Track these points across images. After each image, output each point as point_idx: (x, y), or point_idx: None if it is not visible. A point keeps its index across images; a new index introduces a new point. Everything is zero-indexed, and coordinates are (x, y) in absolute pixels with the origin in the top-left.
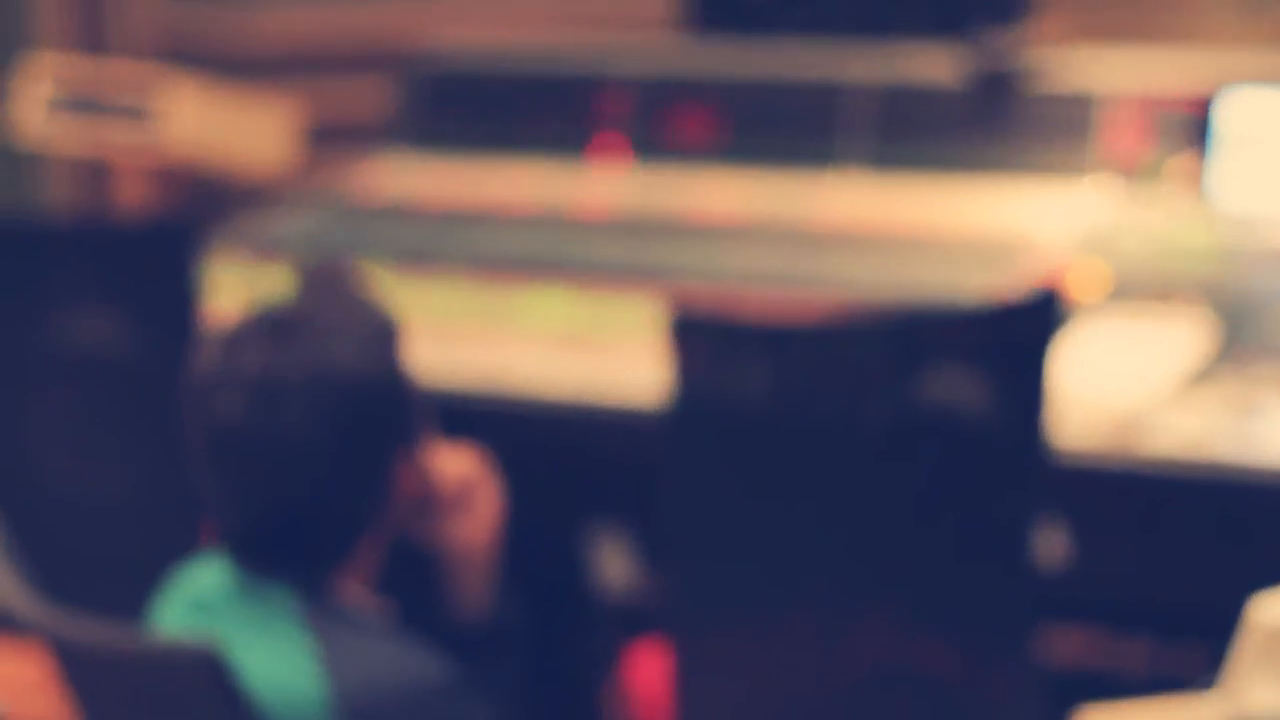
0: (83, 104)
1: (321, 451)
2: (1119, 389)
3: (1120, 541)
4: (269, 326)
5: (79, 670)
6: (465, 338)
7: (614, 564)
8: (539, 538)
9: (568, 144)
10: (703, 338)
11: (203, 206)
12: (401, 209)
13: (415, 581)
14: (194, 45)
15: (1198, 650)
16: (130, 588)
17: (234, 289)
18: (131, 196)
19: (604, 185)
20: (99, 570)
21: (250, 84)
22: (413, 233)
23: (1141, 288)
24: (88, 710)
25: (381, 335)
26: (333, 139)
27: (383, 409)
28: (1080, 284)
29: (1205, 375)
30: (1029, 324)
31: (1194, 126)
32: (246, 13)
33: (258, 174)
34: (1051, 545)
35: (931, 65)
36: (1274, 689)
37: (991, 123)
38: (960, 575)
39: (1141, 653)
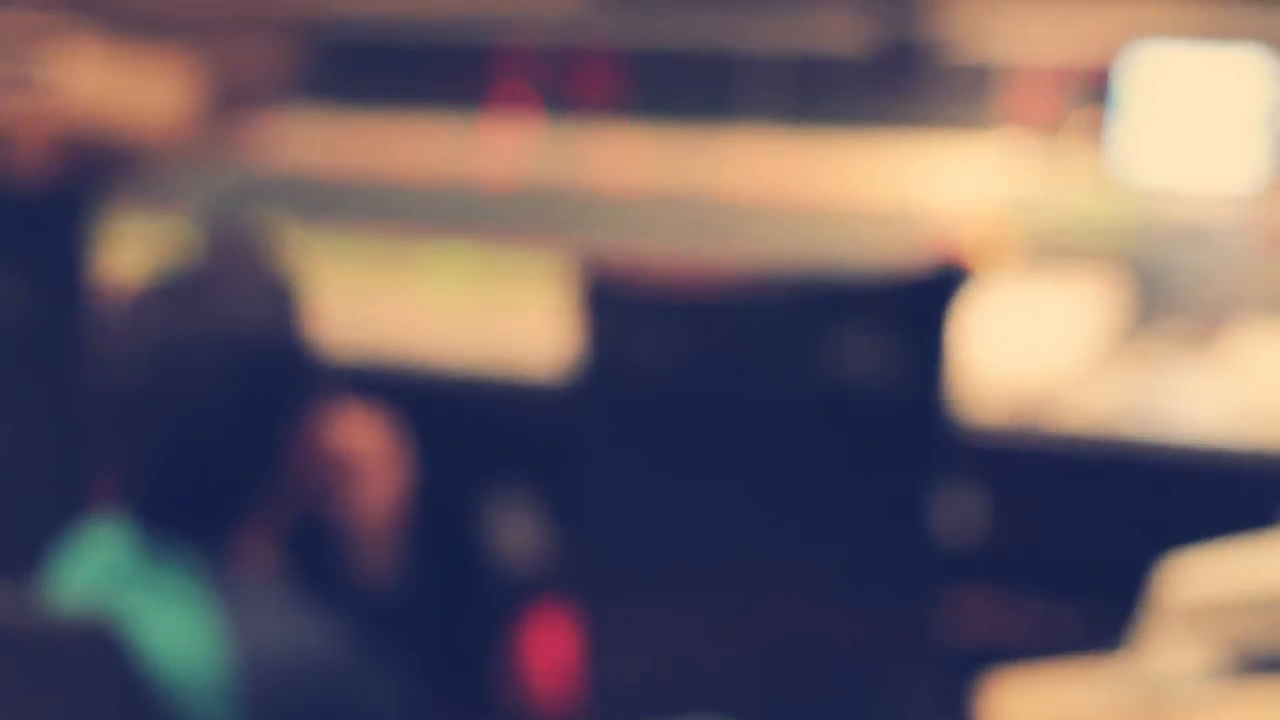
0: None
1: (222, 415)
2: (1028, 359)
3: (1027, 512)
4: (172, 289)
5: None
6: (367, 299)
7: (516, 533)
8: (440, 507)
9: (470, 105)
10: (610, 303)
11: (99, 169)
12: (302, 170)
13: (317, 551)
14: (90, 5)
15: (1105, 615)
16: (23, 549)
17: (133, 252)
18: (26, 160)
19: (506, 146)
20: None
21: (147, 45)
22: (313, 193)
23: (1049, 253)
24: None
25: (284, 298)
26: (231, 100)
27: (284, 372)
28: (986, 250)
29: (1115, 340)
30: (933, 292)
31: (1100, 87)
32: None
33: (154, 135)
34: (967, 515)
35: (837, 30)
36: (1183, 652)
37: (897, 87)
38: (864, 543)
39: (1052, 620)
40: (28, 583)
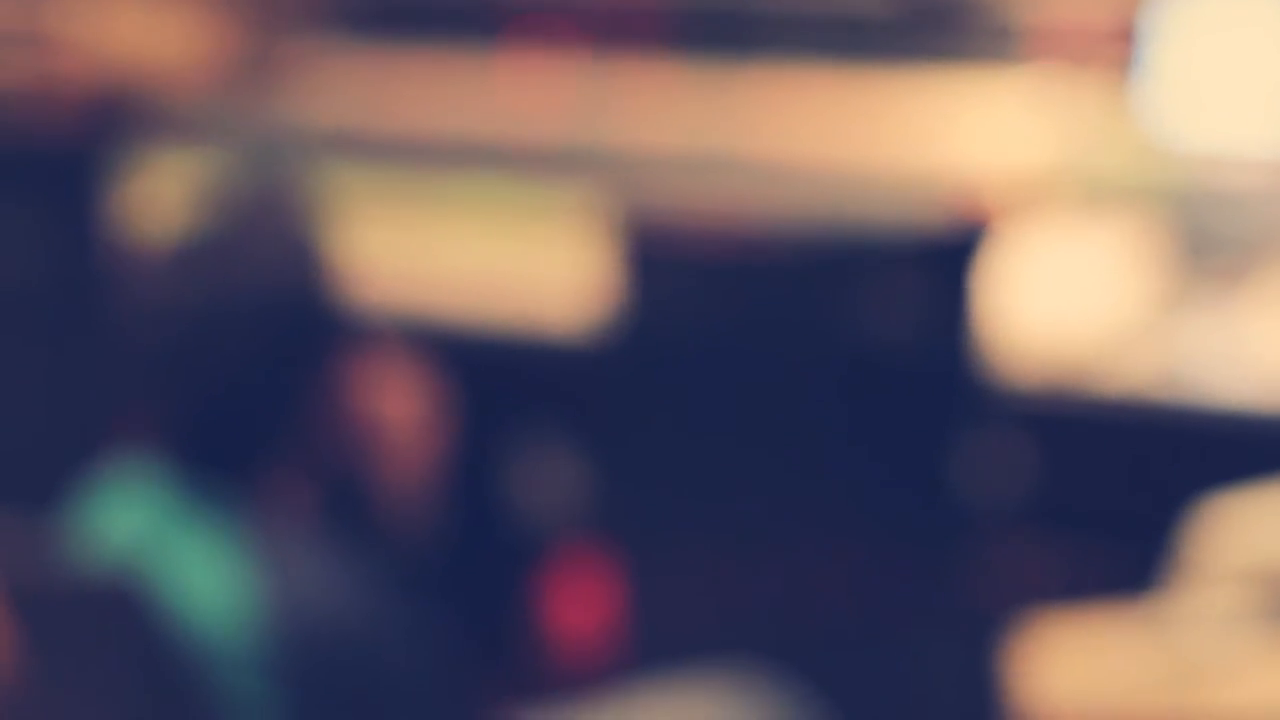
0: None
1: (247, 370)
2: (1070, 316)
3: (1075, 470)
4: (199, 243)
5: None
6: (399, 245)
7: (547, 486)
8: (473, 460)
9: (502, 44)
10: (644, 262)
11: (128, 119)
12: (335, 112)
13: (351, 504)
14: None
15: (1144, 563)
16: (47, 489)
17: (166, 199)
18: (54, 115)
19: (540, 87)
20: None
21: None
22: (347, 137)
23: (1078, 208)
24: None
25: (308, 251)
26: (263, 41)
27: (310, 324)
28: (1018, 208)
29: (1155, 297)
30: (964, 250)
31: (1133, 46)
32: None
33: (183, 81)
34: (1009, 473)
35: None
36: (1218, 600)
37: (926, 48)
38: (893, 497)
39: (1092, 569)
40: (52, 521)
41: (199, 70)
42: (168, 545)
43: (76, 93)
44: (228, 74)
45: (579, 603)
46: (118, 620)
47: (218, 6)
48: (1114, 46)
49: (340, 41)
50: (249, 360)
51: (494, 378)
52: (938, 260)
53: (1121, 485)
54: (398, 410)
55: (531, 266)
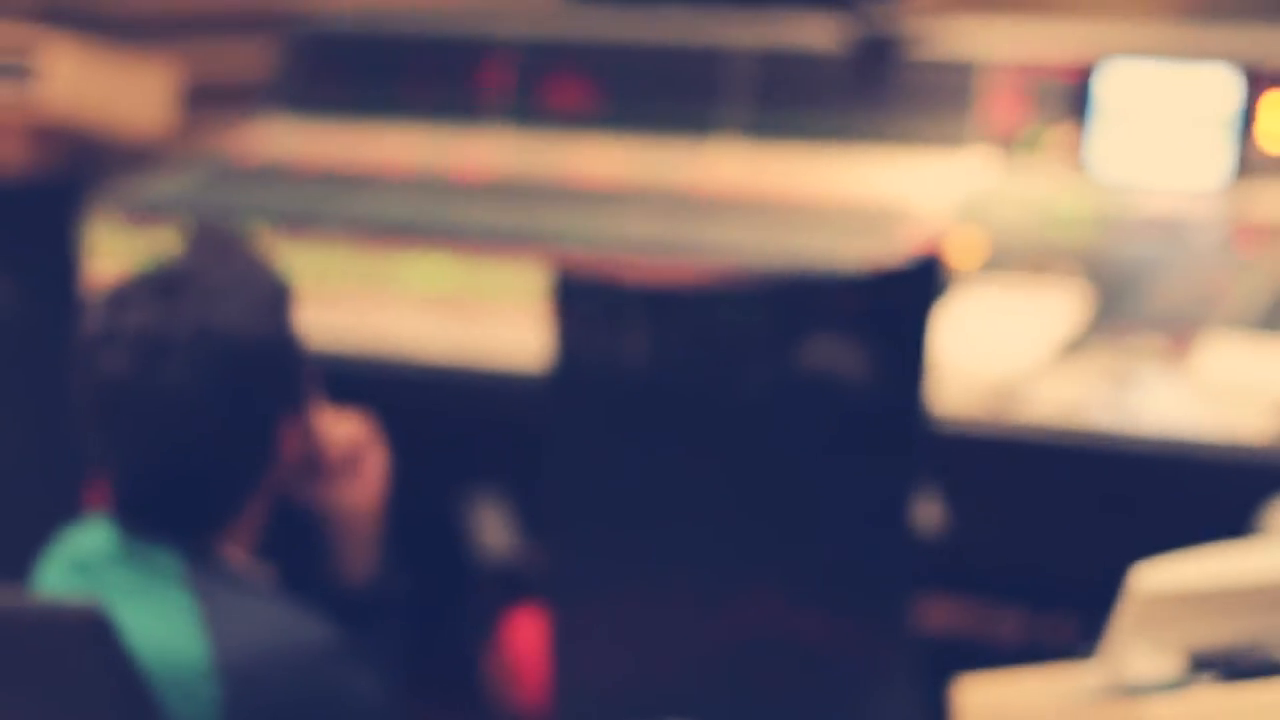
0: None
1: (206, 411)
2: (996, 357)
3: (996, 510)
4: (156, 284)
5: None
6: (345, 300)
7: (493, 529)
8: (419, 502)
9: (448, 108)
10: (585, 301)
11: (81, 167)
12: (281, 172)
13: (299, 545)
14: (71, 5)
15: (1073, 619)
16: (14, 549)
17: (113, 251)
18: (8, 157)
19: (484, 150)
20: None
21: (129, 45)
22: (292, 196)
23: (1018, 256)
24: None
25: (270, 296)
26: (213, 101)
27: (270, 370)
28: (958, 252)
29: (1081, 344)
30: (908, 290)
31: (1072, 97)
32: None
33: (137, 136)
34: (929, 514)
35: (811, 32)
36: (1151, 657)
37: (871, 90)
38: (840, 542)
39: (1017, 621)
40: (20, 579)
41: (155, 125)
42: (115, 584)
43: (37, 133)
44: (179, 130)
45: (527, 644)
46: (80, 644)
47: (173, 67)
48: (1057, 93)
49: (285, 102)
50: (209, 398)
51: (440, 420)
52: (883, 298)
53: (1047, 527)
54: (346, 450)
55: (477, 309)
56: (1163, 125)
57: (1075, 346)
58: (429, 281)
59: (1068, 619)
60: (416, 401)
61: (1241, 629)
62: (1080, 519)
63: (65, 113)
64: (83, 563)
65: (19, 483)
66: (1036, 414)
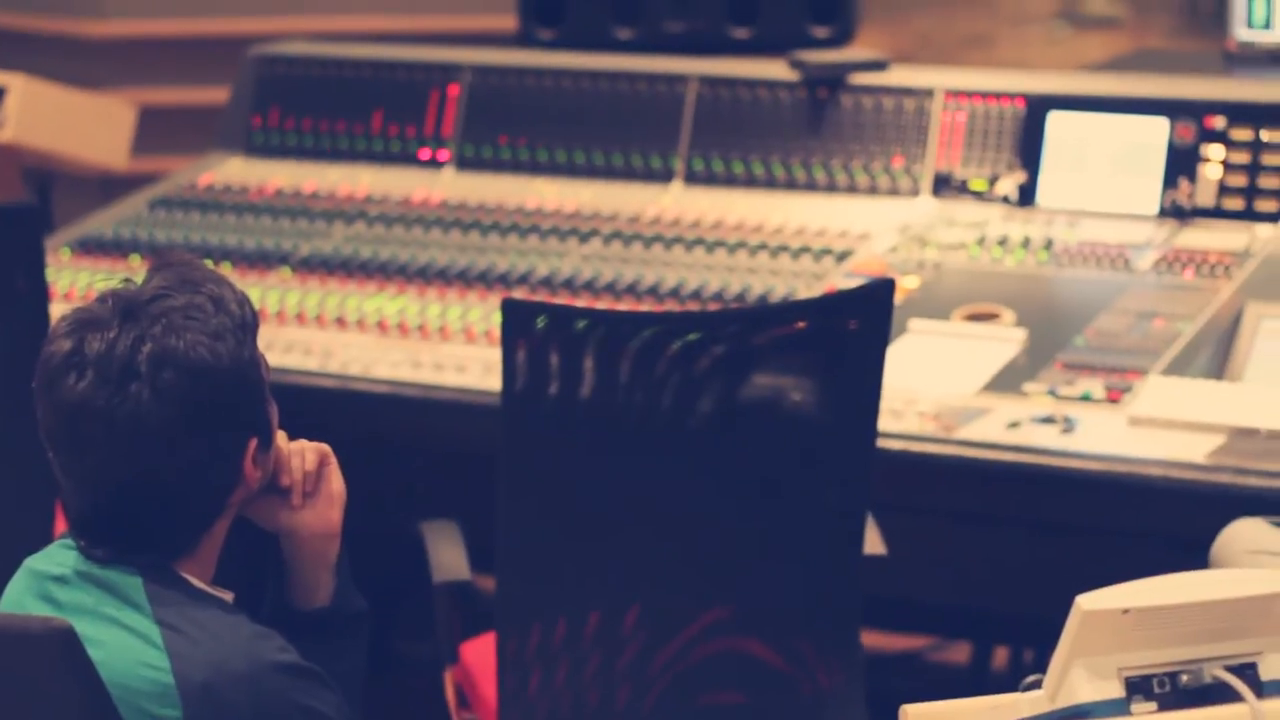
0: None
1: (168, 436)
2: (935, 385)
3: (937, 535)
4: (119, 309)
5: None
6: (297, 333)
7: (449, 553)
8: (376, 526)
9: (398, 146)
10: (535, 329)
11: (37, 200)
12: (234, 208)
13: (259, 567)
14: (30, 44)
15: (1015, 644)
16: None
17: (69, 280)
18: None
19: (434, 188)
20: None
21: (86, 82)
22: (244, 233)
23: (960, 289)
24: None
25: (234, 322)
26: (168, 138)
27: (232, 396)
28: (902, 283)
29: (1017, 373)
30: (861, 311)
31: (1016, 139)
32: (83, 16)
33: (94, 170)
34: (870, 539)
35: (763, 72)
36: (1093, 682)
37: (820, 127)
38: (792, 565)
39: (961, 648)
40: None
41: (114, 162)
42: (81, 607)
43: (7, 162)
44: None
45: (482, 670)
46: (47, 661)
47: (131, 108)
48: (1007, 131)
49: (243, 148)
50: (169, 424)
51: (395, 447)
52: (839, 323)
53: (984, 556)
54: (303, 475)
55: (431, 339)
56: (1101, 165)
57: (1011, 375)
58: (379, 317)
59: (1011, 645)
60: (370, 428)
61: (1182, 654)
62: (1019, 544)
63: (22, 147)
64: (44, 587)
65: None
66: (978, 436)
